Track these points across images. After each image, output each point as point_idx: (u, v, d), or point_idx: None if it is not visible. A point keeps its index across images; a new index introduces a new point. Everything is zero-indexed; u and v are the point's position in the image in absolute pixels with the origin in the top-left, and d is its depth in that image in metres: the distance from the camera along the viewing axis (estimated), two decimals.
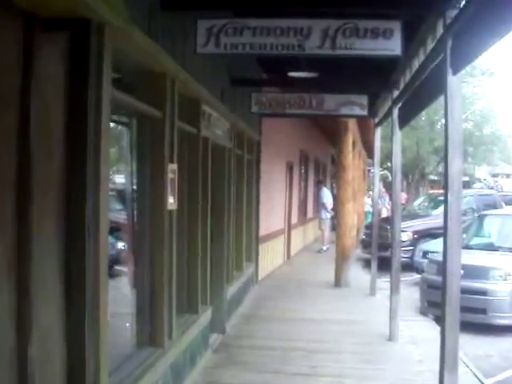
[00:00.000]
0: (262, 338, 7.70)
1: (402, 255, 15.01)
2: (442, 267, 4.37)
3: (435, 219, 15.61)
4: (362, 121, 13.43)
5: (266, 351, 7.05)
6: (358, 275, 13.21)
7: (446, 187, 4.47)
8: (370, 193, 29.62)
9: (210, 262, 7.29)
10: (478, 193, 17.60)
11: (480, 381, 6.31)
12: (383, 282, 11.97)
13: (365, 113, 7.94)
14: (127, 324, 4.88)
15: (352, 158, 12.41)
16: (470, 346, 7.98)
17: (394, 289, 7.57)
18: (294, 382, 6.12)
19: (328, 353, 7.04)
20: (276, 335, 7.79)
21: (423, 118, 30.03)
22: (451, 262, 4.23)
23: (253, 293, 10.43)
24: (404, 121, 7.16)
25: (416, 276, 12.89)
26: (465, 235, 10.90)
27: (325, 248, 17.35)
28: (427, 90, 5.20)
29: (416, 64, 6.18)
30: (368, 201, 25.85)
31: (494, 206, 15.76)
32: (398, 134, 7.58)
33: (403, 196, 32.79)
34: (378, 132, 10.95)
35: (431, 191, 20.07)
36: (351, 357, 6.89)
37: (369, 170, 31.45)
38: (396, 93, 7.59)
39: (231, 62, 7.84)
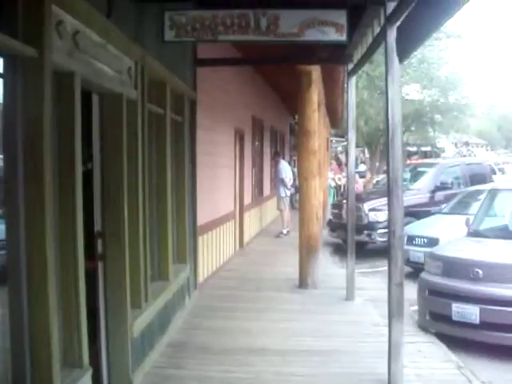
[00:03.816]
0: None
1: (379, 239, 12.65)
2: None
3: (416, 194, 13.14)
4: (326, 73, 10.64)
5: None
6: (326, 267, 10.58)
7: None
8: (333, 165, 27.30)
9: (103, 287, 4.49)
10: (466, 162, 15.00)
11: None
12: (359, 277, 9.42)
13: (343, 38, 5.01)
14: None
15: (318, 120, 9.62)
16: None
17: (396, 316, 4.79)
18: None
19: None
20: None
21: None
22: None
23: (188, 306, 7.60)
24: (409, 45, 4.38)
25: None
26: (471, 217, 8.25)
27: (285, 231, 14.88)
28: None
29: None
30: (330, 174, 23.22)
31: (484, 178, 13.24)
32: (397, 70, 4.80)
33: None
34: (353, 82, 8.22)
35: (408, 161, 17.53)
36: None
37: (331, 141, 28.79)
38: (392, 5, 4.80)
39: None
